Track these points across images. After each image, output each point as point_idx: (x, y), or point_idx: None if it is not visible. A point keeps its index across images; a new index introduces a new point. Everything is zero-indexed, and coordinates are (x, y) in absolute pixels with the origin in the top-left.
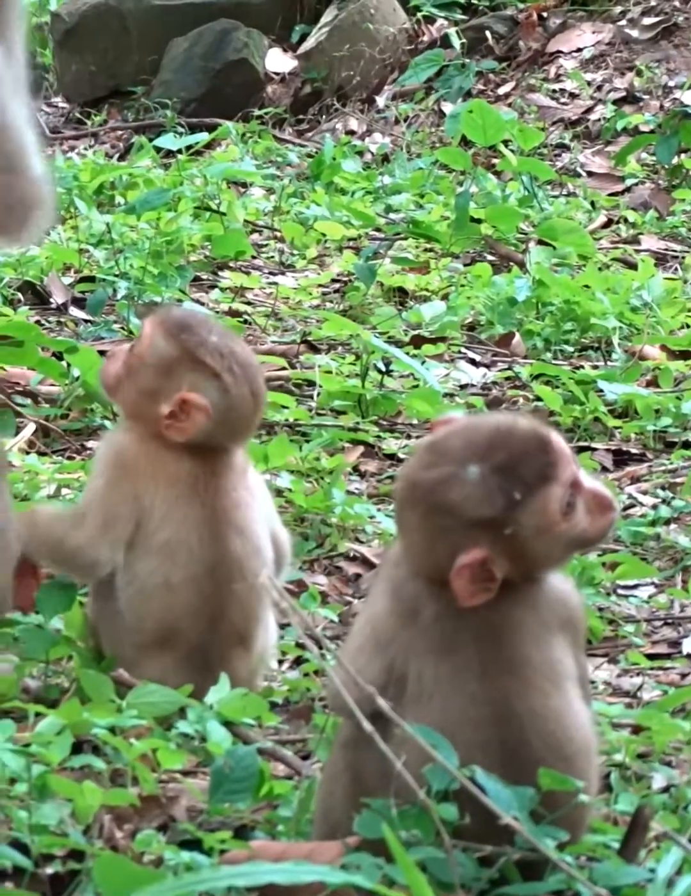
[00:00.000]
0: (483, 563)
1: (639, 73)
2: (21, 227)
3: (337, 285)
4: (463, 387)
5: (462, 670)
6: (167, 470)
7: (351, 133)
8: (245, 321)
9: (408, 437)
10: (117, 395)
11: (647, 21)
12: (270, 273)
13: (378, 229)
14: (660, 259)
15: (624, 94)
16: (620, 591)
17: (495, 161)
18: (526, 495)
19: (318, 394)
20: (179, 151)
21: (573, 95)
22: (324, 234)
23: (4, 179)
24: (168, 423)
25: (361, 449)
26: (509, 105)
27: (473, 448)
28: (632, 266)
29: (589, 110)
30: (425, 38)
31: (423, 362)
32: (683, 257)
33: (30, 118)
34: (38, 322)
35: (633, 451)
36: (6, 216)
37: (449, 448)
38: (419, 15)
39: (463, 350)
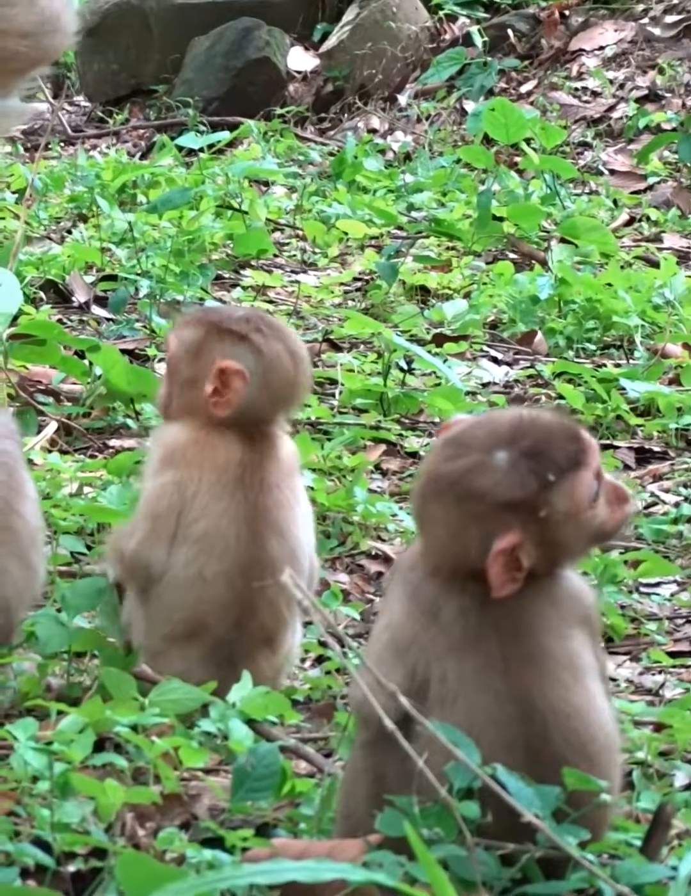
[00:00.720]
0: (516, 548)
1: (662, 71)
2: (53, 41)
3: (358, 284)
4: (485, 385)
5: (485, 667)
6: (215, 458)
7: (373, 131)
8: None
9: (431, 435)
10: (172, 407)
11: (670, 19)
12: (292, 271)
13: (400, 228)
14: (683, 257)
15: (646, 92)
16: (642, 589)
17: (517, 159)
18: (559, 477)
19: (340, 392)
20: (201, 150)
21: (595, 93)
22: (345, 233)
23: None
24: (213, 402)
25: (383, 447)
26: (531, 103)
27: (497, 437)
28: (655, 264)
29: (611, 108)
30: (447, 37)
31: (445, 360)
32: None
33: None
34: (60, 320)
35: (656, 449)
36: (34, 41)
37: (471, 439)
38: (441, 13)
39: (485, 348)
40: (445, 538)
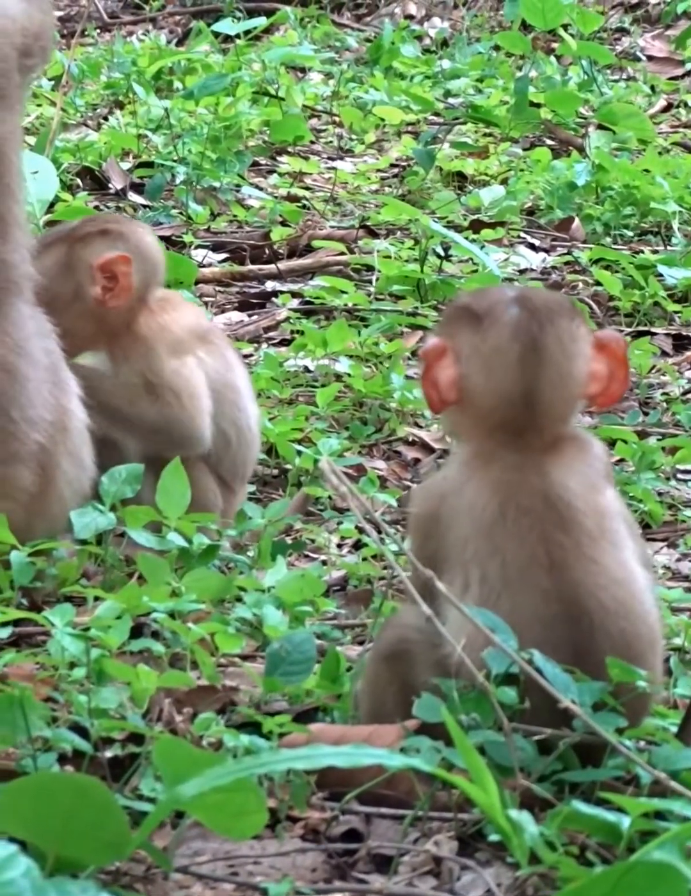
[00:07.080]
0: None
1: None
2: None
3: (395, 170)
4: (522, 271)
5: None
6: None
7: (410, 17)
8: (303, 206)
9: None
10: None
11: None
12: (329, 158)
13: (436, 114)
14: None
15: None
16: (680, 476)
17: (554, 45)
18: None
19: (377, 279)
20: (238, 36)
21: None
22: (382, 119)
23: None
24: (104, 299)
25: (420, 334)
26: None
27: None
28: None
29: None
30: None
31: (482, 247)
32: None
33: None
34: (96, 207)
35: None
36: None
37: None
38: None
39: (522, 234)
40: None
